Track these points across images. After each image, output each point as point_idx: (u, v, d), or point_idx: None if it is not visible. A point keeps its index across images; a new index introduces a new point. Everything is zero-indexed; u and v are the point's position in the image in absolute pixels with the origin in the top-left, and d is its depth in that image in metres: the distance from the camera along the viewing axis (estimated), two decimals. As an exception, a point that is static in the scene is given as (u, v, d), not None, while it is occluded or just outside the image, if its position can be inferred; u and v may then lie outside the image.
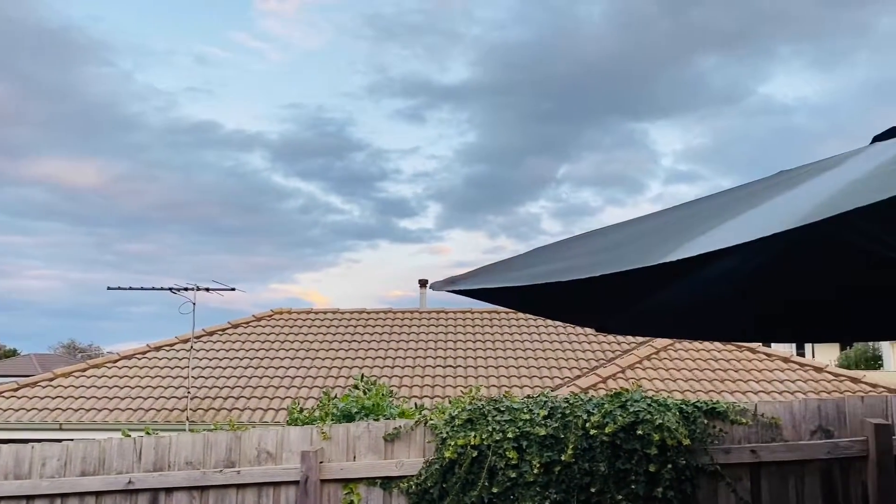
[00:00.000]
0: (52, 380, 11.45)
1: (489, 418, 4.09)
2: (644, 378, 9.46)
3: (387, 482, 4.18)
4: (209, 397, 10.85)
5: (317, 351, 12.55)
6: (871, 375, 11.67)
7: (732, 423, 3.92)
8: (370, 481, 4.20)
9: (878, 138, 2.07)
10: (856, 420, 3.87)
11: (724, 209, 1.80)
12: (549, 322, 12.77)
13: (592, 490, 3.79)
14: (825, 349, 24.37)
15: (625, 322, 3.24)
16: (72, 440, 4.69)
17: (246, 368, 11.81)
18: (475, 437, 4.00)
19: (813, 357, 20.16)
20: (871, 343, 23.70)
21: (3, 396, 10.89)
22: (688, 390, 9.15)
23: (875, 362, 24.65)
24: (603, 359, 11.85)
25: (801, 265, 2.69)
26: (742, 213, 1.69)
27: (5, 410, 10.51)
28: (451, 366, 11.90)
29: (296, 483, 4.23)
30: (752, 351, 11.06)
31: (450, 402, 4.31)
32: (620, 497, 3.75)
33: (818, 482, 3.86)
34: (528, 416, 4.03)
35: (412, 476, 4.13)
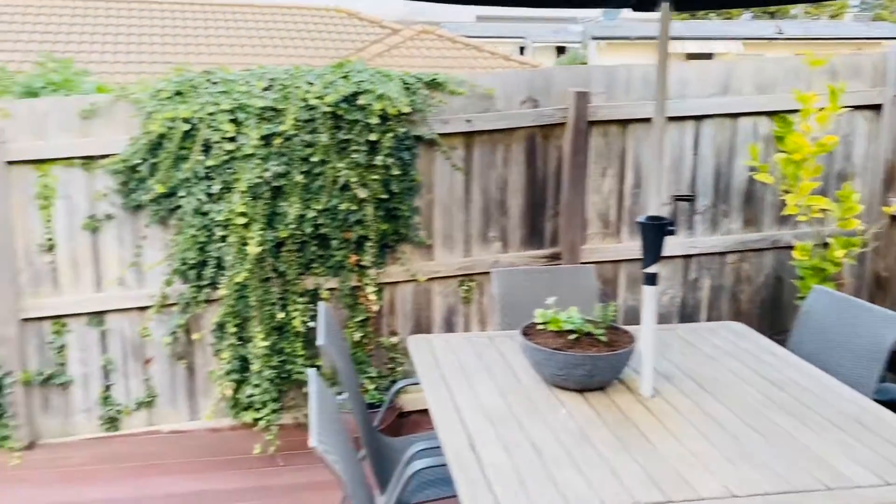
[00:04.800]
0: None
1: (200, 90, 3.75)
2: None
3: (88, 161, 3.78)
4: None
5: None
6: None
7: (451, 93, 4.01)
8: (67, 161, 3.76)
9: None
10: (561, 90, 4.15)
11: None
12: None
13: (314, 160, 3.75)
14: (544, 53, 26.29)
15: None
16: None
17: None
18: (185, 109, 3.67)
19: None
20: (581, 50, 25.92)
21: None
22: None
23: (583, 70, 27.19)
24: (347, 50, 11.54)
25: None
26: None
27: None
28: (147, 62, 10.77)
29: (-28, 167, 3.66)
30: (479, 49, 11.43)
31: (142, 81, 3.85)
32: (342, 166, 3.77)
33: (522, 148, 4.19)
34: (245, 88, 3.75)
35: (117, 154, 3.76)
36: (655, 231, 2.50)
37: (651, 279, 2.53)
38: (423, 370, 2.77)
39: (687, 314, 4.53)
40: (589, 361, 2.47)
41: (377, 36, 12.01)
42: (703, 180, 4.43)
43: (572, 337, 2.57)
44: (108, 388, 4.00)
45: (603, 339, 2.57)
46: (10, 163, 3.70)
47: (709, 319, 4.56)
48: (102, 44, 10.93)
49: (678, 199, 4.23)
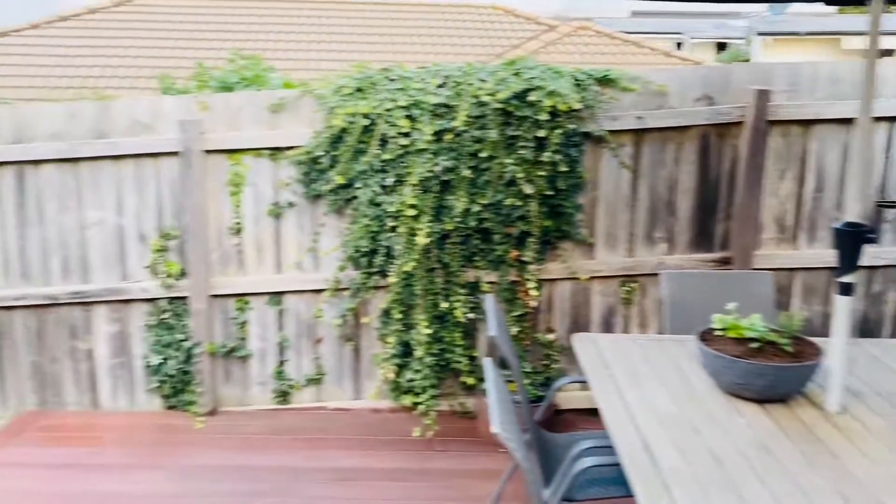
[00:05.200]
0: None
1: (379, 87, 3.92)
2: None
3: (275, 152, 4.06)
4: (71, 87, 10.00)
5: (184, 40, 11.58)
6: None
7: (623, 90, 3.94)
8: (257, 152, 4.06)
9: None
10: (740, 87, 3.97)
11: None
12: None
13: (482, 156, 3.83)
14: (702, 49, 25.17)
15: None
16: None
17: (109, 58, 10.82)
18: (365, 105, 3.86)
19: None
20: (744, 47, 24.57)
21: None
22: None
23: (745, 67, 25.76)
24: (503, 46, 11.64)
25: None
26: None
27: None
28: (325, 60, 11.35)
29: (176, 154, 4.04)
30: (638, 45, 11.15)
31: (326, 77, 4.07)
32: (509, 161, 3.81)
33: (695, 147, 4.06)
34: (420, 85, 3.89)
35: (301, 146, 4.01)
36: (854, 238, 2.35)
37: (846, 289, 2.38)
38: (590, 369, 2.77)
39: (868, 329, 4.21)
40: (772, 372, 2.37)
41: (533, 32, 12.00)
42: (895, 185, 4.09)
43: (754, 345, 2.47)
44: (281, 363, 4.29)
45: (788, 349, 2.45)
46: (207, 152, 4.05)
47: (892, 336, 4.22)
48: (286, 42, 11.65)
49: (882, 205, 3.93)
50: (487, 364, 2.29)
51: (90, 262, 4.18)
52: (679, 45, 26.27)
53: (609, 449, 2.31)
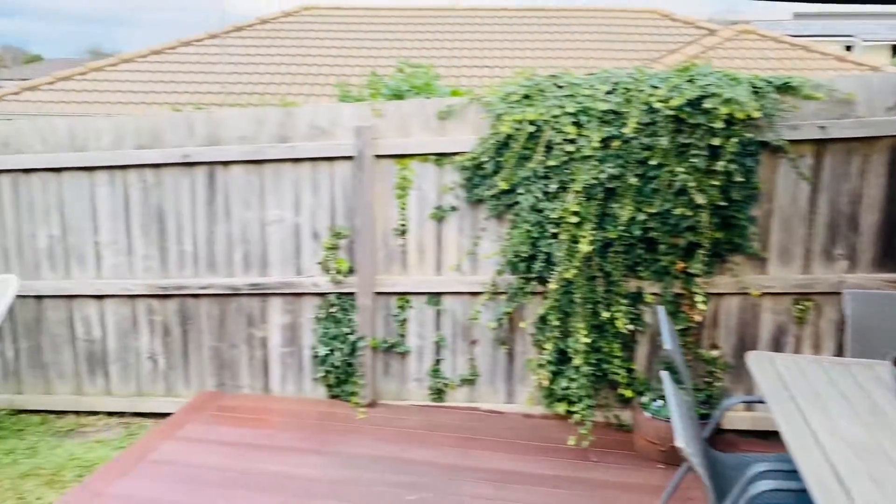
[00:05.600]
0: (52, 83, 11.19)
1: (547, 94, 3.95)
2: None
3: (440, 158, 4.19)
4: (244, 93, 10.76)
5: (347, 49, 12.15)
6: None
7: (805, 98, 3.74)
8: (423, 157, 4.21)
9: None
10: (940, 95, 3.66)
11: None
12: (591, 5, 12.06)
13: (651, 163, 3.76)
14: (875, 52, 23.25)
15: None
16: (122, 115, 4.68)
17: (279, 66, 11.56)
18: (532, 112, 3.90)
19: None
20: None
21: (6, 100, 10.79)
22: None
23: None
24: (660, 51, 11.37)
25: None
26: None
27: (8, 115, 10.50)
28: (487, 66, 11.53)
29: (350, 158, 4.26)
30: (807, 49, 10.49)
31: (494, 85, 4.14)
32: (680, 170, 3.72)
33: (885, 159, 3.78)
34: (589, 92, 3.87)
35: (466, 152, 4.12)
36: None
37: None
38: (768, 389, 2.65)
39: None
40: (985, 405, 2.16)
41: (692, 37, 11.60)
42: None
43: (962, 375, 2.28)
44: (437, 362, 4.41)
45: None
46: (378, 156, 4.24)
47: None
48: (450, 49, 11.96)
49: None
50: (665, 378, 2.25)
51: (269, 257, 4.49)
52: (848, 47, 24.46)
53: (787, 474, 2.21)
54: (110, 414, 4.80)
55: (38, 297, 4.73)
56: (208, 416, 4.38)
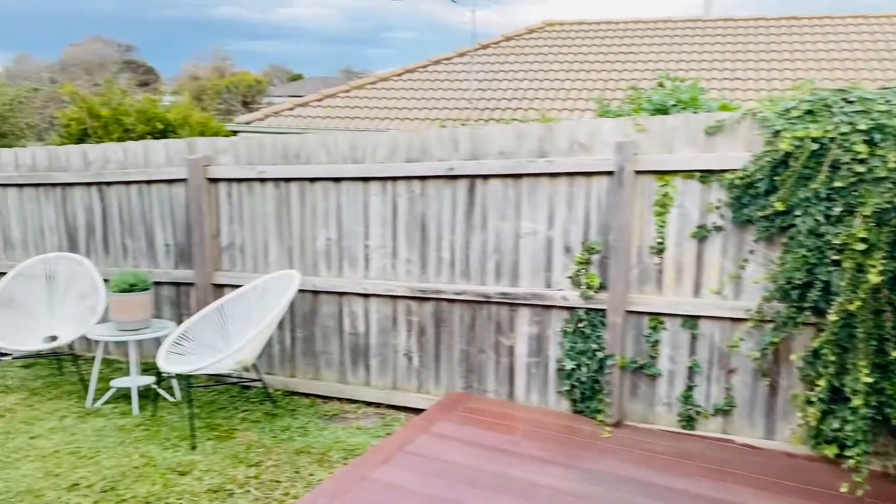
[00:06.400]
0: (321, 100, 12.41)
1: (834, 109, 3.64)
2: None
3: (706, 175, 4.03)
4: (488, 108, 11.16)
5: (591, 63, 12.14)
6: None
7: None
8: (687, 174, 4.08)
9: None
10: None
11: None
12: (851, 27, 10.94)
13: (961, 188, 3.32)
14: None
15: None
16: (394, 130, 5.07)
17: (521, 81, 11.85)
18: (816, 129, 3.61)
19: None
20: None
21: (282, 115, 12.13)
22: None
23: None
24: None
25: None
26: None
27: (284, 128, 11.73)
28: (740, 78, 10.90)
29: (609, 173, 4.25)
30: None
31: (770, 99, 3.88)
32: None
33: None
34: (884, 108, 3.51)
35: (736, 169, 3.92)
36: None
37: None
38: None
39: None
40: None
41: None
42: None
43: None
44: (689, 388, 4.24)
45: None
46: (638, 172, 4.18)
47: None
48: (710, 62, 11.55)
49: None
50: None
51: (520, 268, 4.61)
52: None
53: None
54: (368, 403, 5.21)
55: (315, 293, 5.27)
56: (457, 416, 4.58)
